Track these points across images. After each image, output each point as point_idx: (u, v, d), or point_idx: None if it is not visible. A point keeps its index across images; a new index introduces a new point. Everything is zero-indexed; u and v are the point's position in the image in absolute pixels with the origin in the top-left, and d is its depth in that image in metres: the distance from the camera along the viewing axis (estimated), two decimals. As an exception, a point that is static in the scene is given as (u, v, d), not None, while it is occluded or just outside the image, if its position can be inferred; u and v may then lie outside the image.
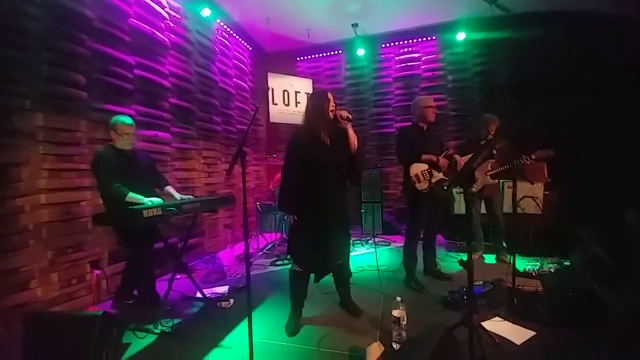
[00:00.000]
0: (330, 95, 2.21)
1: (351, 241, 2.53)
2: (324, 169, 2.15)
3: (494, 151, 3.38)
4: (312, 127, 2.18)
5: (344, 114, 2.15)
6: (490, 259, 3.67)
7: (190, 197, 2.65)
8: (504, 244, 3.59)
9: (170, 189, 2.70)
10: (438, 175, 2.89)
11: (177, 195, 2.62)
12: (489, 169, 3.43)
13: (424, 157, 2.86)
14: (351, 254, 4.05)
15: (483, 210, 3.68)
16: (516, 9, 4.59)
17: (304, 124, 2.25)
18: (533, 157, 3.11)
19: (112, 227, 2.61)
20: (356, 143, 2.17)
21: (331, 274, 2.38)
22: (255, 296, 2.29)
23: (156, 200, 2.31)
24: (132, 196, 2.27)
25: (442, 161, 2.88)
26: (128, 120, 2.52)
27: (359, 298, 2.58)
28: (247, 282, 1.64)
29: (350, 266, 2.50)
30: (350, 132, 2.17)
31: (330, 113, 2.17)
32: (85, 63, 2.81)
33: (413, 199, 2.90)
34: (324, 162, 2.14)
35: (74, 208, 2.70)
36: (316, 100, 2.24)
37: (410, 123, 3.13)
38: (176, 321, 2.34)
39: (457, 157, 2.95)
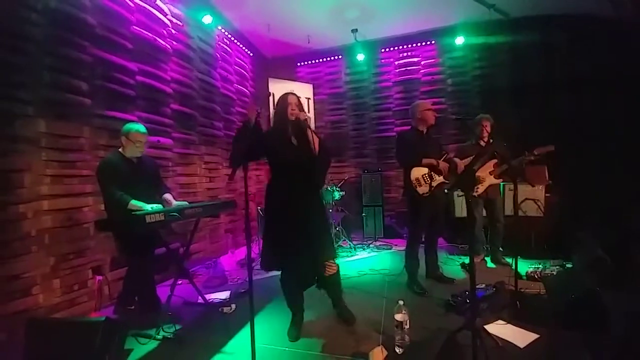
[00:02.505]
0: (290, 98, 2.19)
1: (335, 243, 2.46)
2: (290, 169, 2.13)
3: (495, 153, 3.40)
4: (276, 128, 2.22)
5: (302, 116, 2.13)
6: (488, 261, 3.66)
7: (185, 202, 2.62)
8: (501, 248, 3.59)
9: (167, 196, 2.66)
10: (439, 179, 2.90)
11: (173, 203, 2.58)
12: (492, 169, 3.44)
13: (425, 161, 2.87)
14: (352, 258, 4.12)
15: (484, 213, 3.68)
16: (514, 13, 4.63)
17: (272, 127, 2.29)
18: (535, 153, 3.12)
19: (113, 234, 2.60)
20: (317, 145, 2.11)
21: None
22: (257, 301, 2.28)
23: (156, 206, 2.31)
24: (134, 204, 2.27)
25: (442, 165, 2.89)
26: (142, 128, 2.53)
27: (361, 302, 2.57)
28: (250, 287, 1.64)
29: (343, 270, 2.47)
30: (309, 134, 2.11)
31: (291, 115, 2.14)
32: (88, 69, 2.84)
33: (414, 202, 2.91)
34: (288, 162, 2.11)
35: (76, 214, 2.71)
36: (278, 104, 2.25)
37: (409, 127, 3.14)
38: (178, 327, 2.33)
39: (457, 160, 2.96)
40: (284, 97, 2.22)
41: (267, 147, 2.13)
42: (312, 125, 2.19)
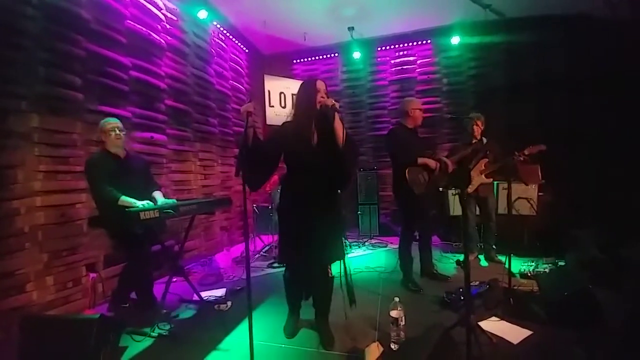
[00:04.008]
0: (319, 85, 1.94)
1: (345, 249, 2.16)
2: (308, 169, 1.93)
3: (487, 151, 3.44)
4: (299, 121, 1.96)
5: (329, 101, 1.86)
6: (482, 259, 3.69)
7: (173, 200, 2.57)
8: (494, 246, 3.63)
9: (156, 194, 2.61)
10: (432, 177, 2.92)
11: (160, 200, 2.52)
12: (483, 168, 3.48)
13: (421, 160, 2.87)
14: (348, 256, 4.12)
15: (477, 211, 3.72)
16: (509, 13, 4.66)
17: (292, 118, 2.02)
18: (526, 152, 3.14)
19: (108, 232, 2.55)
20: (342, 136, 1.84)
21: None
22: (253, 298, 2.30)
23: (147, 203, 2.28)
24: (125, 200, 2.24)
25: (435, 163, 2.89)
26: (112, 118, 2.50)
27: (357, 299, 2.56)
28: (248, 284, 1.64)
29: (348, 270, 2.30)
30: (336, 122, 1.83)
31: (319, 103, 1.90)
32: (81, 64, 2.80)
33: (409, 201, 2.92)
34: (308, 158, 1.91)
35: (69, 210, 2.68)
36: (302, 92, 1.99)
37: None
38: (173, 324, 2.33)
39: (444, 158, 2.95)
40: (311, 83, 1.96)
41: (284, 142, 1.93)
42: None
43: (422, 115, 3.00)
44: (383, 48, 5.78)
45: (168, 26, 3.90)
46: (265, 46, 5.88)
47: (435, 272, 3.18)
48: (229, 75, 5.16)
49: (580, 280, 2.28)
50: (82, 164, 2.68)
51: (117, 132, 2.46)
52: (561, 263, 3.21)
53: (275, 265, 3.79)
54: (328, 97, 1.95)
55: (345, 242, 2.14)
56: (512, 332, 2.09)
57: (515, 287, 2.61)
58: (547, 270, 2.98)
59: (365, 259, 4.03)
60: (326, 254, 2.02)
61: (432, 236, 3.29)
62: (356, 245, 4.65)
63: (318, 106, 1.91)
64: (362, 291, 2.93)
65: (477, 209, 3.68)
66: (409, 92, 5.63)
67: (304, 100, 1.97)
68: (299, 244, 1.98)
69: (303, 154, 1.92)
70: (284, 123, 2.04)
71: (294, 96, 5.74)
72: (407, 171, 2.83)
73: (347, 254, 4.22)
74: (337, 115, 1.84)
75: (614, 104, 4.08)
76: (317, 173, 1.92)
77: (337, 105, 1.84)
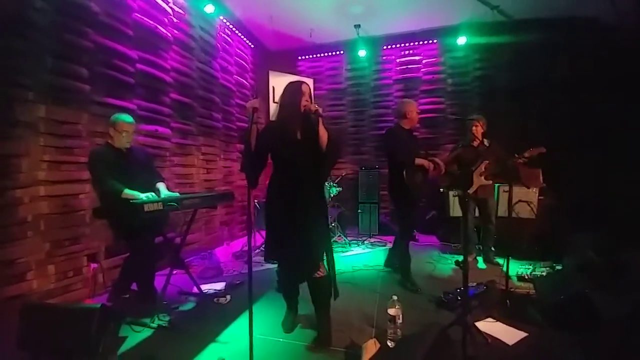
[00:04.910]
0: (304, 88, 2.04)
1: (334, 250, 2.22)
2: (292, 165, 2.01)
3: (488, 154, 3.45)
4: (283, 120, 2.05)
5: (313, 107, 1.95)
6: (480, 261, 3.70)
7: (176, 193, 2.59)
8: (492, 248, 3.65)
9: (160, 185, 2.62)
10: (426, 178, 2.94)
11: (164, 193, 2.54)
12: (483, 170, 3.48)
13: (418, 160, 2.88)
14: (347, 253, 4.16)
15: (476, 213, 3.73)
16: (517, 15, 4.64)
17: (277, 118, 2.12)
18: (526, 155, 3.14)
19: (111, 223, 2.56)
20: (325, 140, 1.96)
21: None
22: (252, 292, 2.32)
23: (151, 195, 2.30)
24: (128, 192, 2.25)
25: (429, 164, 2.91)
26: (128, 118, 2.51)
27: (355, 296, 2.59)
28: (249, 279, 1.66)
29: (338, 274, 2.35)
30: (320, 128, 1.94)
31: (304, 106, 2.00)
32: (89, 56, 2.82)
33: (408, 200, 2.93)
34: (292, 157, 2.00)
35: (72, 201, 2.70)
36: (288, 93, 2.08)
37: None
38: (173, 316, 2.35)
39: (436, 159, 2.97)
40: (296, 85, 2.05)
41: (269, 141, 2.00)
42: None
43: (418, 117, 3.06)
44: (389, 47, 5.76)
45: (175, 20, 3.90)
46: (271, 42, 5.87)
47: (397, 265, 3.22)
48: (234, 70, 5.17)
49: (577, 284, 2.29)
50: (86, 155, 2.70)
51: (129, 133, 2.49)
52: (558, 267, 3.22)
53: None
54: (312, 102, 2.05)
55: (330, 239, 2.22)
56: (508, 334, 2.11)
57: (512, 289, 2.62)
58: (544, 273, 2.99)
59: (364, 257, 4.06)
60: (314, 250, 2.06)
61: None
62: (355, 243, 4.67)
63: (302, 109, 2.00)
64: (360, 289, 2.96)
65: (477, 210, 3.68)
66: (413, 92, 5.63)
67: (289, 102, 2.05)
68: (285, 242, 2.02)
69: (286, 153, 2.01)
70: (269, 122, 2.09)
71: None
72: (404, 171, 2.85)
73: (345, 252, 4.26)
74: (320, 120, 1.94)
75: (618, 108, 4.07)
76: (301, 172, 2.01)
77: (320, 110, 1.94)
